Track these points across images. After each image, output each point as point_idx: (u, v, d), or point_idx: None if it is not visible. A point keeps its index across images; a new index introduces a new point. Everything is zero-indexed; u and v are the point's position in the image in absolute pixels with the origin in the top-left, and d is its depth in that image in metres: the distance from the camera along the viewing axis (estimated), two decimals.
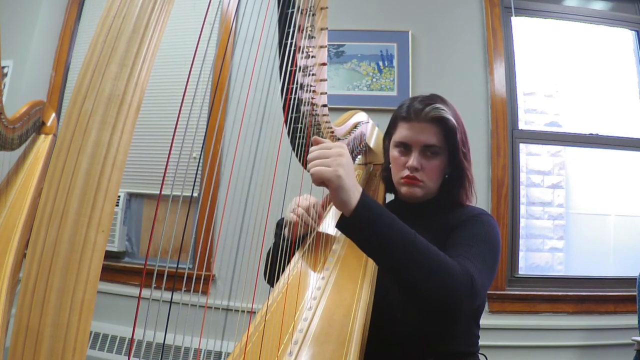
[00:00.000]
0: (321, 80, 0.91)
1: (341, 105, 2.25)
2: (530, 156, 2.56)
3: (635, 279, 1.92)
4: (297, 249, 0.98)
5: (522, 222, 2.39)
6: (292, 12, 0.77)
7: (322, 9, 0.86)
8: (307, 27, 0.81)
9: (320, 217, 1.00)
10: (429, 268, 0.76)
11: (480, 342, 1.02)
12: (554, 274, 2.46)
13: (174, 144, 0.55)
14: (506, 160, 2.30)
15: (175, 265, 1.87)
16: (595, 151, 2.50)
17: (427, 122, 0.98)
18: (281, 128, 0.83)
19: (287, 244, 0.99)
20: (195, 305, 0.62)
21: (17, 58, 2.52)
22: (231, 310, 1.14)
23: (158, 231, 2.14)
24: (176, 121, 0.55)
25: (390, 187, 1.15)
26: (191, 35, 2.42)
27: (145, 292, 1.59)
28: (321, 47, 0.89)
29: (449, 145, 0.99)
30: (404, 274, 0.77)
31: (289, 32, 0.78)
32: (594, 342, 2.13)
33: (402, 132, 1.02)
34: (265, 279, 1.05)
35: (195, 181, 2.34)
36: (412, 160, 0.99)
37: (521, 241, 2.34)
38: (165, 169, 0.50)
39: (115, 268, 2.38)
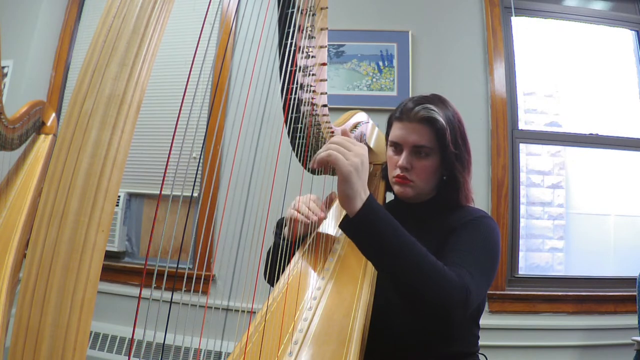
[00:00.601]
0: (321, 80, 0.91)
1: (341, 105, 2.25)
2: (530, 156, 2.56)
3: (635, 279, 1.92)
4: (297, 248, 0.98)
5: (522, 222, 2.39)
6: (292, 12, 0.77)
7: (322, 9, 0.86)
8: (307, 27, 0.81)
9: (320, 218, 1.00)
10: (426, 276, 0.76)
11: (480, 342, 1.02)
12: (554, 274, 2.46)
13: (174, 144, 0.55)
14: (506, 160, 2.30)
15: (175, 265, 1.87)
16: (595, 151, 2.50)
17: (416, 122, 0.98)
18: (281, 128, 0.83)
19: (287, 243, 0.99)
20: (195, 305, 0.62)
21: (17, 58, 2.52)
22: (231, 310, 1.14)
23: (158, 231, 2.14)
24: (176, 121, 0.55)
25: (390, 186, 1.15)
26: (191, 35, 2.42)
27: (145, 292, 1.59)
28: (321, 47, 0.89)
29: (441, 146, 0.98)
30: (401, 279, 0.77)
31: (289, 32, 0.78)
32: (594, 342, 2.13)
33: (394, 131, 1.02)
34: (265, 279, 1.05)
35: (195, 181, 2.34)
36: (402, 159, 0.99)
37: (521, 241, 2.34)
38: (166, 169, 0.50)
39: (115, 268, 2.38)
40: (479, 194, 2.15)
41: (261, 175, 0.73)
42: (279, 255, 0.95)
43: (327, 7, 0.87)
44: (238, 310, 0.88)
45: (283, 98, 0.83)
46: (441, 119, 0.96)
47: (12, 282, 1.35)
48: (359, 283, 0.87)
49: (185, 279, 0.63)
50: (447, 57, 2.41)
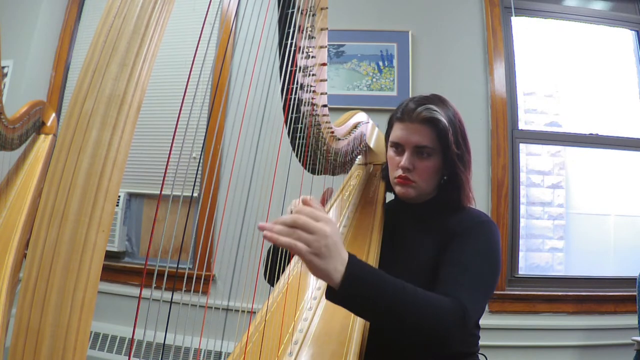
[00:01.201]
0: (321, 80, 0.91)
1: (341, 105, 2.25)
2: (530, 156, 2.56)
3: (635, 279, 1.92)
4: None
5: (522, 222, 2.39)
6: (292, 13, 0.77)
7: (322, 9, 0.86)
8: (307, 28, 0.81)
9: None
10: (421, 314, 0.75)
11: (480, 342, 1.02)
12: (554, 274, 2.46)
13: (174, 144, 0.55)
14: (506, 160, 2.30)
15: (176, 265, 1.87)
16: (595, 151, 2.50)
17: (418, 123, 0.97)
18: (281, 128, 0.83)
19: None
20: (195, 305, 0.62)
21: (17, 58, 2.52)
22: (231, 310, 1.14)
23: (158, 231, 2.14)
24: (176, 121, 0.55)
25: (390, 186, 1.15)
26: (191, 36, 2.42)
27: (146, 292, 1.59)
28: (321, 47, 0.89)
29: (443, 146, 0.98)
30: (397, 327, 0.76)
31: (289, 32, 0.78)
32: (594, 342, 2.13)
33: (396, 132, 1.02)
34: (265, 279, 1.06)
35: (195, 181, 2.34)
36: (404, 160, 0.99)
37: (521, 241, 2.34)
38: (166, 169, 0.51)
39: (115, 268, 2.38)
40: (479, 194, 2.15)
41: (261, 176, 0.73)
42: (279, 255, 0.95)
43: (327, 7, 0.87)
44: (238, 310, 0.88)
45: (283, 98, 0.83)
46: (443, 119, 0.96)
47: (12, 282, 1.35)
48: None
49: (185, 279, 0.63)
50: (447, 57, 2.41)
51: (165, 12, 0.41)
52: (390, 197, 1.19)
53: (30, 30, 2.56)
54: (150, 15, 0.39)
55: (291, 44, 0.77)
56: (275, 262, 0.97)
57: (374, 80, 2.39)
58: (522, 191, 2.42)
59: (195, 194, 2.35)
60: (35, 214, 0.40)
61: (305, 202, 0.69)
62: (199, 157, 2.25)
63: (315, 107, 0.91)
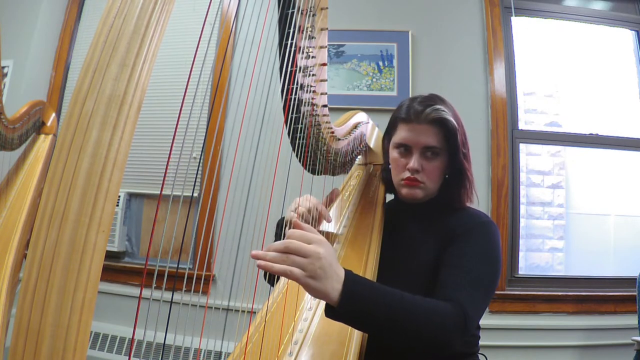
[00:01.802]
0: (321, 80, 0.91)
1: (341, 105, 2.24)
2: (530, 156, 2.57)
3: (635, 279, 1.92)
4: None
5: (522, 222, 2.39)
6: (292, 13, 0.77)
7: (322, 9, 0.86)
8: (307, 28, 0.81)
9: (320, 219, 1.00)
10: (421, 323, 0.75)
11: (480, 342, 1.02)
12: (554, 274, 2.46)
13: (174, 144, 0.55)
14: (506, 160, 2.30)
15: (176, 266, 1.87)
16: (595, 151, 2.50)
17: (427, 124, 0.98)
18: (281, 129, 0.83)
19: None
20: (196, 306, 0.62)
21: (17, 58, 2.52)
22: (231, 310, 1.14)
23: (158, 231, 2.14)
24: (176, 121, 0.55)
25: (390, 187, 1.14)
26: (191, 36, 2.42)
27: (146, 292, 1.59)
28: (321, 47, 0.89)
29: (449, 146, 0.98)
30: (399, 338, 0.76)
31: (289, 32, 0.78)
32: (594, 342, 2.13)
33: (402, 133, 1.01)
34: (265, 279, 1.06)
35: (195, 181, 2.34)
36: (413, 162, 0.98)
37: (521, 241, 2.34)
38: (166, 169, 0.51)
39: (115, 268, 2.38)
40: (479, 194, 2.14)
41: (261, 176, 0.73)
42: None
43: (327, 8, 0.87)
44: (238, 311, 0.88)
45: (283, 98, 0.82)
46: (452, 120, 0.97)
47: (12, 282, 1.35)
48: None
49: (185, 279, 0.63)
50: (447, 57, 2.41)
51: (165, 12, 0.41)
52: (390, 196, 1.19)
53: (30, 30, 2.56)
54: (150, 16, 0.39)
55: (291, 44, 0.77)
56: None
57: (374, 80, 2.39)
58: (522, 191, 2.42)
59: (195, 194, 2.35)
60: (35, 214, 0.40)
61: (296, 225, 0.70)
62: (199, 157, 2.25)
63: (315, 107, 0.91)
